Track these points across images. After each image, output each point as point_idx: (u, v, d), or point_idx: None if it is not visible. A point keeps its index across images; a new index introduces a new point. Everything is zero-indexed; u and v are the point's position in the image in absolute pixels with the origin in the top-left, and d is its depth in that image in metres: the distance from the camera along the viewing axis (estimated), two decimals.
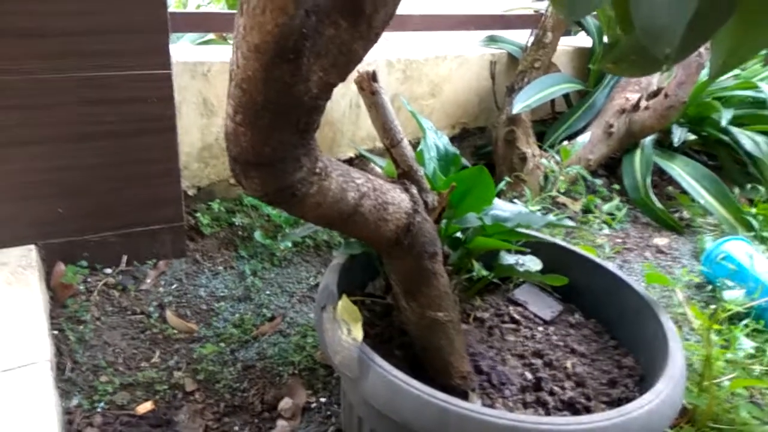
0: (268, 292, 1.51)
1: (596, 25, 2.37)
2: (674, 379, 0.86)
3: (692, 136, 2.30)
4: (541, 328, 1.13)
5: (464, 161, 1.13)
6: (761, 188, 2.12)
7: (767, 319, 1.42)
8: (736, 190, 2.14)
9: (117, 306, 1.39)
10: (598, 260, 1.17)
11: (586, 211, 2.02)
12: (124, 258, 1.51)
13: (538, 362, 1.04)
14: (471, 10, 2.42)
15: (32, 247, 1.40)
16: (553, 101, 2.41)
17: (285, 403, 1.14)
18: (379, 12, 0.55)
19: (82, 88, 1.31)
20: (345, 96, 1.90)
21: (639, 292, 1.06)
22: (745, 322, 1.36)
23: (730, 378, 1.18)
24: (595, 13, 2.25)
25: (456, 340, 0.96)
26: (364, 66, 0.61)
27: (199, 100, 1.65)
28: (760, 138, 2.14)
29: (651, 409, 0.80)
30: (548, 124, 2.39)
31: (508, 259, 1.12)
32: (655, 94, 2.14)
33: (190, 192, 1.73)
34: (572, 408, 0.95)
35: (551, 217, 1.07)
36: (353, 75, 0.68)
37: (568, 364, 1.04)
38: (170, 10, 1.37)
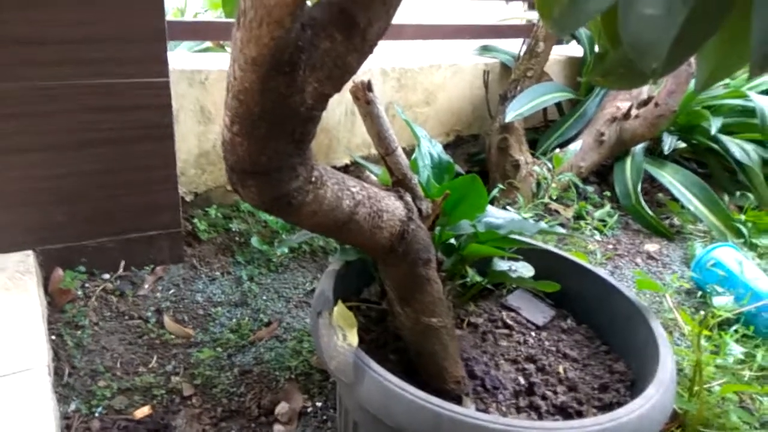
0: (264, 298, 1.52)
1: (587, 35, 2.40)
2: (664, 384, 0.87)
3: (682, 144, 2.33)
4: (533, 334, 1.15)
5: (458, 168, 1.15)
6: (750, 195, 2.14)
7: (757, 325, 1.44)
8: (726, 198, 2.17)
9: (115, 311, 1.40)
10: (589, 266, 1.18)
11: (578, 217, 2.04)
12: (122, 263, 1.52)
13: (531, 367, 1.05)
14: (465, 20, 2.45)
15: (30, 252, 1.41)
16: (545, 109, 2.44)
17: (281, 408, 1.15)
18: (373, 25, 0.57)
19: (80, 95, 1.32)
20: (341, 103, 1.92)
21: (630, 298, 1.08)
22: (734, 327, 1.38)
23: (720, 383, 1.19)
24: None
25: (450, 346, 0.97)
26: (360, 74, 0.63)
27: (196, 108, 1.67)
28: (749, 146, 2.16)
29: (642, 413, 0.81)
30: (541, 132, 2.41)
31: (501, 265, 1.14)
32: (645, 103, 2.16)
33: (188, 198, 1.74)
34: (564, 412, 0.96)
35: (543, 225, 1.08)
36: (349, 84, 0.70)
37: (561, 369, 1.05)
38: (168, 18, 1.38)
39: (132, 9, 1.29)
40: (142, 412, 1.13)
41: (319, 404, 1.19)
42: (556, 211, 2.03)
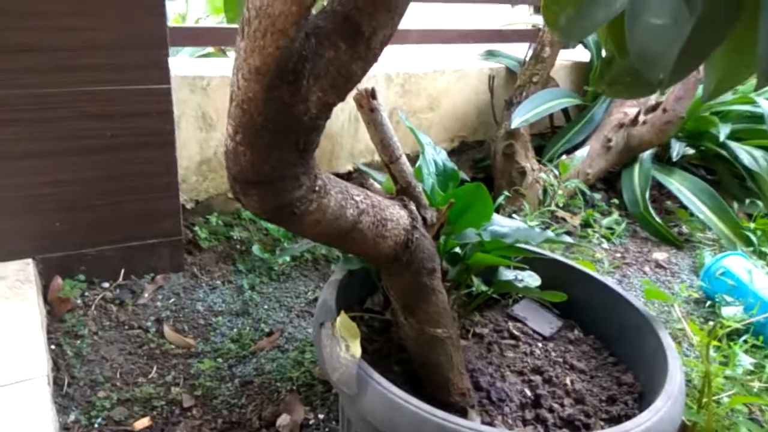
0: (266, 307, 1.50)
1: (595, 40, 2.38)
2: (673, 396, 0.86)
3: (690, 151, 2.31)
4: (540, 344, 1.13)
5: (463, 175, 1.14)
6: (760, 203, 2.12)
7: (766, 335, 1.42)
8: (735, 205, 2.15)
9: (114, 320, 1.39)
10: (596, 275, 1.17)
11: (585, 225, 2.02)
12: (122, 272, 1.51)
13: (538, 379, 1.03)
14: (470, 25, 2.44)
15: (30, 261, 1.40)
16: (551, 115, 2.42)
17: (283, 420, 1.14)
18: (377, 34, 0.56)
19: (80, 102, 1.31)
20: (344, 110, 1.91)
21: (638, 308, 1.06)
22: (744, 338, 1.36)
23: (729, 394, 1.18)
24: None
25: (455, 357, 0.96)
26: (363, 80, 0.62)
27: (198, 114, 1.66)
28: (758, 153, 2.14)
29: (649, 426, 0.80)
30: (547, 138, 2.40)
31: (507, 274, 1.12)
32: (653, 109, 2.15)
33: (188, 205, 1.73)
34: (571, 425, 0.95)
35: (550, 233, 1.07)
36: (353, 91, 0.69)
37: (568, 380, 1.04)
38: (169, 24, 1.37)
39: (133, 16, 1.29)
40: (142, 423, 1.12)
41: (321, 416, 1.18)
42: (563, 219, 2.01)
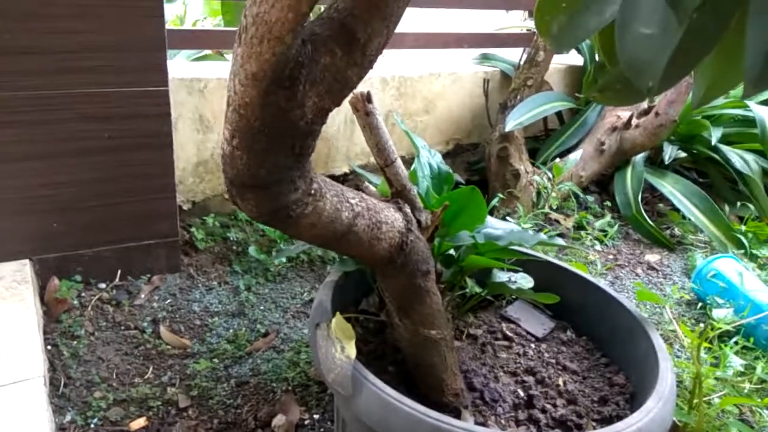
0: (262, 308, 1.51)
1: (588, 45, 2.40)
2: (664, 397, 0.87)
3: (683, 154, 2.33)
4: (533, 345, 1.14)
5: (457, 177, 1.15)
6: (751, 206, 2.14)
7: (757, 337, 1.44)
8: (726, 208, 2.17)
9: (111, 321, 1.39)
10: (589, 277, 1.18)
11: (579, 227, 2.03)
12: (119, 272, 1.52)
13: (531, 379, 1.05)
14: (464, 29, 2.46)
15: (27, 261, 1.40)
16: (545, 119, 2.44)
17: (278, 420, 1.14)
18: (373, 40, 0.57)
19: (79, 104, 1.32)
20: (340, 112, 1.92)
21: (630, 309, 1.08)
22: (734, 339, 1.37)
23: (719, 395, 1.19)
24: None
25: (449, 358, 0.97)
26: (359, 83, 0.63)
27: (195, 116, 1.66)
28: (749, 156, 2.16)
29: (641, 427, 0.81)
30: (541, 141, 2.41)
31: (501, 276, 1.13)
32: (645, 113, 2.16)
33: (185, 207, 1.74)
34: (564, 426, 0.96)
35: (543, 236, 1.08)
36: (348, 96, 0.70)
37: (560, 381, 1.05)
38: (167, 27, 1.38)
39: (132, 18, 1.30)
40: (138, 423, 1.12)
41: (316, 416, 1.18)
42: (557, 221, 2.02)
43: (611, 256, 1.94)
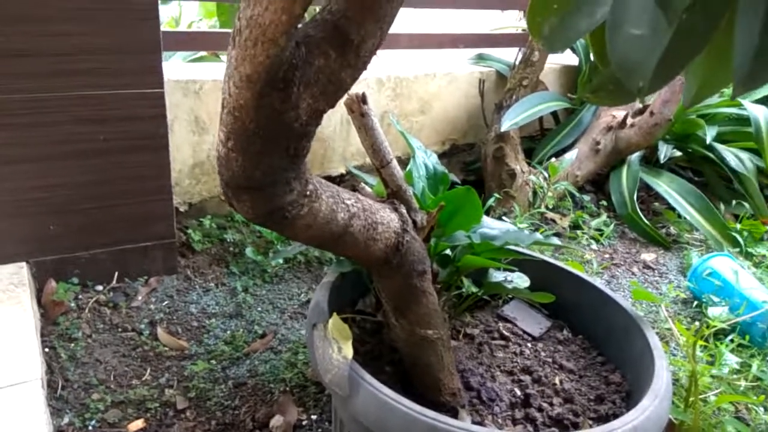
0: (259, 309, 1.51)
1: (583, 45, 2.41)
2: (660, 395, 0.87)
3: (678, 153, 2.34)
4: (529, 345, 1.15)
5: (453, 177, 1.15)
6: (746, 204, 2.15)
7: (752, 335, 1.44)
8: (722, 206, 2.18)
9: (108, 323, 1.39)
10: (585, 277, 1.18)
11: (575, 226, 2.04)
12: (116, 275, 1.52)
13: (527, 378, 1.05)
14: (460, 29, 2.46)
15: (23, 264, 1.40)
16: (541, 118, 2.44)
17: (276, 421, 1.15)
18: (366, 42, 0.57)
19: (75, 106, 1.32)
20: (336, 112, 1.92)
21: (626, 308, 1.08)
22: (730, 337, 1.38)
23: (715, 393, 1.19)
24: None
25: (445, 357, 0.97)
26: (355, 84, 0.63)
27: (191, 118, 1.67)
28: (744, 155, 2.17)
29: (636, 425, 0.81)
30: (536, 141, 2.42)
31: (497, 276, 1.14)
32: (641, 112, 2.17)
33: (182, 208, 1.74)
34: (560, 424, 0.96)
35: (538, 235, 1.08)
36: (344, 97, 0.70)
37: (557, 380, 1.05)
38: (163, 29, 1.38)
39: (127, 20, 1.30)
40: (136, 425, 1.12)
41: (314, 417, 1.19)
42: (553, 221, 2.03)
43: (607, 255, 1.95)
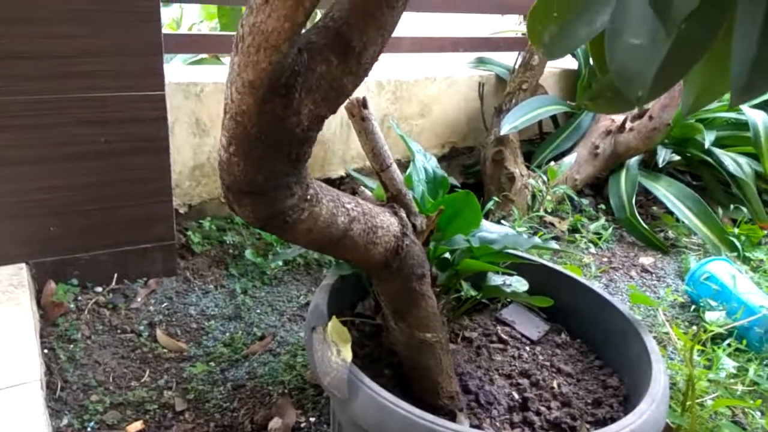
0: (258, 311, 1.52)
1: (582, 49, 2.41)
2: (657, 399, 0.88)
3: (676, 157, 2.34)
4: (528, 348, 1.15)
5: (453, 181, 1.15)
6: (744, 209, 2.15)
7: (749, 339, 1.45)
8: (720, 211, 2.18)
9: (107, 325, 1.40)
10: (583, 281, 1.19)
11: (573, 230, 2.05)
12: (115, 276, 1.52)
13: (525, 382, 1.05)
14: (460, 33, 2.47)
15: (23, 265, 1.40)
16: (540, 122, 2.45)
17: (275, 423, 1.15)
18: (368, 49, 0.58)
19: (75, 109, 1.32)
20: (336, 116, 1.92)
21: (624, 312, 1.09)
22: (727, 341, 1.38)
23: (712, 397, 1.20)
24: None
25: (444, 360, 0.97)
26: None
27: (191, 120, 1.67)
28: (742, 159, 2.18)
29: (634, 429, 0.82)
30: (536, 145, 2.42)
31: (496, 279, 1.14)
32: (639, 116, 2.18)
33: (182, 210, 1.74)
34: (558, 428, 0.97)
35: (537, 239, 1.09)
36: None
37: (555, 384, 1.06)
38: (164, 31, 1.39)
39: (128, 22, 1.30)
40: (135, 427, 1.13)
41: (312, 420, 1.19)
42: (551, 224, 2.03)
43: (605, 259, 1.95)
